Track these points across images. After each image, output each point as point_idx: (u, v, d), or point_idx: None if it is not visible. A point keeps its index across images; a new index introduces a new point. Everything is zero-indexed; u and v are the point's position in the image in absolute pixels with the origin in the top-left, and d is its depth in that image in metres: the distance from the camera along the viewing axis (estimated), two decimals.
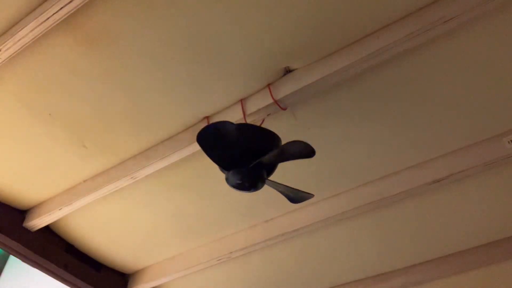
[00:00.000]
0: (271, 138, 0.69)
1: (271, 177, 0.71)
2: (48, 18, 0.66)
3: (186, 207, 1.01)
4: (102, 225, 1.08)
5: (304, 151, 0.64)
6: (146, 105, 0.81)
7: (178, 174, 0.93)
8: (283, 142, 0.71)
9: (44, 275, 1.08)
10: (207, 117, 0.83)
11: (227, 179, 0.66)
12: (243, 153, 0.65)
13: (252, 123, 0.79)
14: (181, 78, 0.77)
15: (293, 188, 0.70)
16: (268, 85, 0.77)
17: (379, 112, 0.81)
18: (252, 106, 0.78)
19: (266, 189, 0.72)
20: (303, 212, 0.96)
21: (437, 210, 0.95)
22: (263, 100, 0.77)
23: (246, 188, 0.66)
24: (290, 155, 0.67)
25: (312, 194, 0.72)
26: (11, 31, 0.70)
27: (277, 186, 0.70)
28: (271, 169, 0.69)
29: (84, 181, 0.97)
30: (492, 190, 0.90)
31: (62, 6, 0.64)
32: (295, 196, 0.73)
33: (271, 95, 0.75)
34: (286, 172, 0.88)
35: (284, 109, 0.78)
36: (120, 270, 1.22)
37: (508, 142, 0.80)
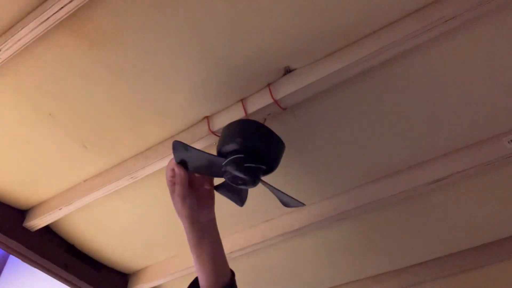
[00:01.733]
0: (272, 141, 0.70)
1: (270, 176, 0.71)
2: (48, 18, 0.66)
3: None
4: (102, 225, 1.08)
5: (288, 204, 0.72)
6: (146, 105, 0.81)
7: None
8: (284, 142, 0.71)
9: (44, 275, 1.08)
10: (207, 117, 0.83)
11: (224, 172, 0.66)
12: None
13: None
14: (181, 78, 0.77)
15: (285, 194, 0.71)
16: (268, 85, 0.77)
17: (379, 112, 0.81)
18: (252, 106, 0.78)
19: (266, 189, 0.72)
20: (304, 212, 0.96)
21: (437, 210, 0.95)
22: (263, 100, 0.77)
23: (240, 183, 0.67)
24: (278, 197, 0.72)
25: (303, 203, 0.73)
26: (11, 31, 0.69)
27: (271, 189, 0.71)
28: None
29: (84, 181, 0.97)
30: (492, 190, 0.90)
31: (62, 5, 0.64)
32: (287, 202, 0.74)
33: (271, 95, 0.75)
34: (286, 171, 0.88)
35: (284, 109, 0.78)
36: (120, 270, 1.22)
37: (508, 142, 0.80)
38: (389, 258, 1.07)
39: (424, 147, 0.86)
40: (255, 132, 0.68)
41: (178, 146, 0.70)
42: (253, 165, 0.64)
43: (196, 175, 0.73)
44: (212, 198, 0.74)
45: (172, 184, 0.70)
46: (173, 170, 0.70)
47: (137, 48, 0.73)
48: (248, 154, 0.65)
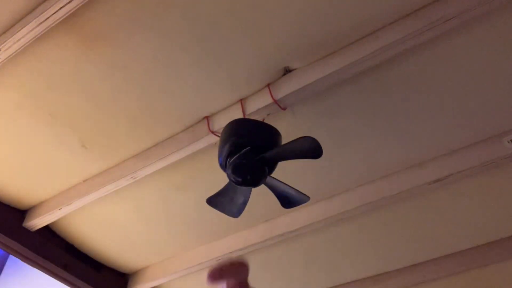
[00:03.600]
0: (271, 133, 0.69)
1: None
2: (47, 18, 0.66)
3: (186, 207, 1.01)
4: (102, 225, 1.08)
5: (311, 150, 0.64)
6: (146, 105, 0.81)
7: (178, 174, 0.93)
8: (283, 142, 0.71)
9: (44, 275, 1.08)
10: (207, 117, 0.83)
11: (229, 175, 0.65)
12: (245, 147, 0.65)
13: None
14: (181, 78, 0.77)
15: (293, 188, 0.70)
16: (268, 85, 0.77)
17: (378, 112, 0.81)
18: (252, 106, 0.78)
19: (266, 189, 0.72)
20: (304, 212, 0.96)
21: (437, 210, 0.95)
22: (263, 100, 0.77)
23: (249, 183, 0.66)
24: (295, 154, 0.66)
25: (308, 196, 0.72)
26: (11, 31, 0.70)
27: (277, 184, 0.70)
28: (271, 167, 0.69)
29: (84, 181, 0.97)
30: (492, 190, 0.90)
31: (61, 6, 0.64)
32: (292, 198, 0.73)
33: (271, 95, 0.75)
34: (286, 171, 0.88)
35: (284, 109, 0.78)
36: (120, 270, 1.22)
37: (508, 142, 0.80)
38: (389, 258, 1.07)
39: (424, 147, 0.86)
40: (250, 127, 0.68)
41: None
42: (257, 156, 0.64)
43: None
44: None
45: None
46: None
47: (136, 49, 0.73)
48: (250, 148, 0.64)
